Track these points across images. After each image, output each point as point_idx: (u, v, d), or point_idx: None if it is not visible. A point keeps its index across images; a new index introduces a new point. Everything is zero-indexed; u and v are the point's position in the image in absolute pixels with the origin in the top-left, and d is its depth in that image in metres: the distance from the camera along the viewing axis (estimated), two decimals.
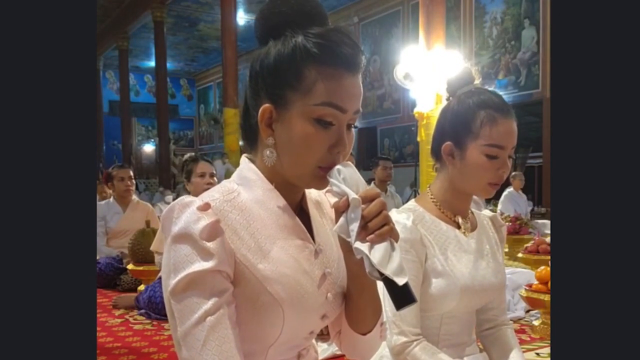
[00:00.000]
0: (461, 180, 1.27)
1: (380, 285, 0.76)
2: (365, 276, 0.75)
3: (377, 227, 0.74)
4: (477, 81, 1.31)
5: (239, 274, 0.78)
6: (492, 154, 1.22)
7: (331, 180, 0.79)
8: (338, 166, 0.79)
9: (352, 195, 0.76)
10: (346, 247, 0.80)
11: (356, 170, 0.80)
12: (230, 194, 0.83)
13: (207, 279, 0.75)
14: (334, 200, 0.80)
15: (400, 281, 0.72)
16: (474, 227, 1.34)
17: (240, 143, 0.94)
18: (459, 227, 1.31)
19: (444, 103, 1.36)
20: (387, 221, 0.75)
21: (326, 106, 0.78)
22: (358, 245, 0.74)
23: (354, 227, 0.75)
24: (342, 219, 0.76)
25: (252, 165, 0.86)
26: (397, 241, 0.76)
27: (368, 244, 0.74)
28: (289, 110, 0.79)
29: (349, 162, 0.81)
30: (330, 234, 0.91)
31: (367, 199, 0.76)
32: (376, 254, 0.73)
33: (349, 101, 0.79)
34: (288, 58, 0.79)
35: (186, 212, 0.76)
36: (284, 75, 0.79)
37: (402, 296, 0.73)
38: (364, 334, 0.90)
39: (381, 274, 0.73)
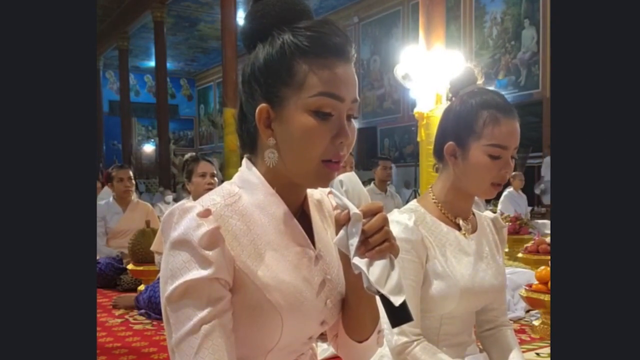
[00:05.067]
0: (463, 181, 1.27)
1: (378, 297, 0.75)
2: (363, 288, 0.74)
3: (377, 242, 0.73)
4: (480, 81, 1.31)
5: (238, 280, 0.77)
6: (494, 154, 1.22)
7: (333, 191, 0.78)
8: (340, 177, 0.79)
9: (354, 209, 0.74)
10: (345, 259, 0.79)
11: (359, 181, 0.80)
12: (231, 197, 0.82)
13: (204, 287, 0.74)
14: (335, 201, 0.79)
15: (397, 301, 0.71)
16: (474, 229, 1.34)
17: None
18: (459, 228, 1.31)
19: (444, 103, 1.36)
20: (388, 237, 0.74)
21: (322, 96, 0.77)
22: (356, 261, 0.73)
23: (354, 241, 0.73)
24: (342, 232, 0.75)
25: (254, 169, 0.85)
26: (396, 257, 0.75)
27: (367, 260, 0.73)
28: (285, 107, 0.79)
29: (352, 173, 0.81)
30: (331, 239, 0.90)
31: (369, 213, 0.75)
32: (375, 271, 0.72)
33: (344, 89, 0.79)
34: (277, 55, 0.78)
35: (186, 218, 0.75)
36: (275, 73, 0.79)
37: (398, 315, 0.72)
38: (361, 342, 0.90)
39: (378, 291, 0.71)
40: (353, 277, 0.80)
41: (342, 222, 0.75)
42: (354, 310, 0.87)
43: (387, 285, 0.71)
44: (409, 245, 1.22)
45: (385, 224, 0.75)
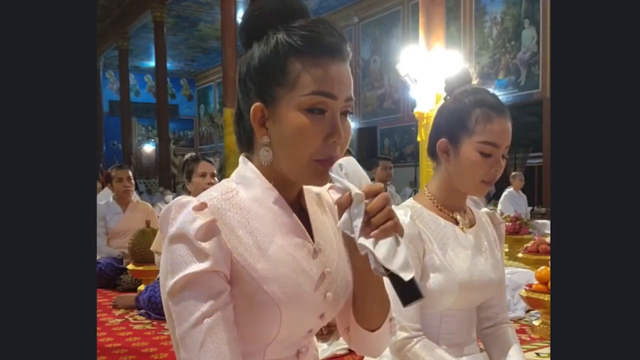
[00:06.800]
0: (455, 178, 1.29)
1: (387, 280, 0.75)
2: (372, 273, 0.74)
3: (381, 222, 0.73)
4: (475, 81, 1.33)
5: (235, 273, 0.78)
6: (486, 151, 1.23)
7: (333, 175, 0.78)
8: (340, 161, 0.78)
9: (355, 190, 0.75)
10: (351, 244, 0.79)
11: (358, 165, 0.79)
12: (228, 192, 0.83)
13: (204, 280, 0.75)
14: (337, 196, 0.79)
15: (407, 276, 0.70)
16: (472, 224, 1.35)
17: None
18: (457, 223, 1.32)
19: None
20: (392, 216, 0.74)
21: (315, 95, 0.78)
22: (362, 241, 0.73)
23: (358, 222, 0.73)
24: (345, 215, 0.75)
25: (251, 164, 0.86)
26: (402, 236, 0.75)
27: (372, 239, 0.73)
28: (279, 106, 0.79)
29: (351, 157, 0.80)
30: (331, 232, 0.90)
31: (371, 194, 0.75)
32: (381, 249, 0.72)
33: (337, 87, 0.79)
34: (271, 55, 0.79)
35: (182, 213, 0.76)
36: (269, 72, 0.79)
37: (408, 292, 0.72)
38: (373, 331, 0.90)
39: (387, 270, 0.71)
40: (360, 264, 0.81)
41: (344, 205, 0.75)
42: (364, 298, 0.88)
43: (394, 262, 0.71)
44: (407, 240, 1.22)
45: (388, 203, 0.75)
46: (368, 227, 0.73)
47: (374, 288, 0.86)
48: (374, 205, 0.74)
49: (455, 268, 1.25)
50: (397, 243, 0.73)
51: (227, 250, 0.77)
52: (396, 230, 0.74)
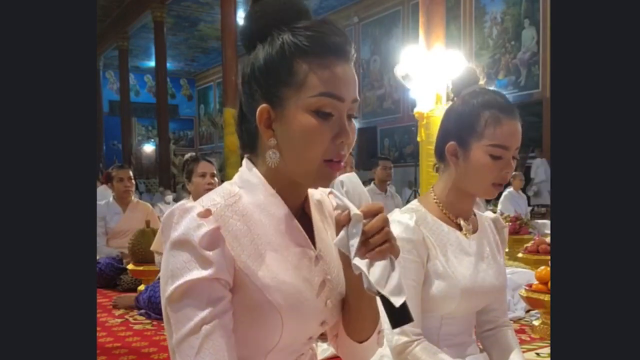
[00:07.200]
0: (465, 181, 1.27)
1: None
2: (364, 289, 0.73)
3: (378, 243, 0.73)
4: (482, 81, 1.31)
5: (238, 281, 0.77)
6: (496, 154, 1.22)
7: (333, 191, 0.78)
8: (341, 177, 0.79)
9: (354, 210, 0.74)
10: (345, 259, 0.79)
11: (359, 181, 0.80)
12: (231, 197, 0.82)
13: (205, 287, 0.74)
14: (337, 201, 0.79)
15: (397, 302, 0.70)
16: (475, 229, 1.34)
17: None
18: (460, 228, 1.31)
19: (444, 103, 1.37)
20: (389, 238, 0.74)
21: (323, 96, 0.77)
22: (357, 261, 0.73)
23: (354, 242, 0.73)
24: (342, 233, 0.75)
25: (255, 169, 0.85)
26: (397, 258, 0.75)
27: (367, 260, 0.72)
28: (286, 108, 0.79)
29: (354, 174, 0.80)
30: (332, 239, 0.90)
31: (369, 214, 0.75)
32: (375, 271, 0.72)
33: (344, 89, 0.79)
34: (277, 56, 0.78)
35: (186, 218, 0.75)
36: (275, 74, 0.79)
37: (398, 315, 0.72)
38: (361, 342, 0.90)
39: (379, 292, 0.71)
40: (353, 278, 0.80)
41: (342, 222, 0.75)
42: (355, 311, 0.87)
43: (387, 286, 0.71)
44: (410, 245, 1.22)
45: (386, 225, 0.75)
46: (364, 247, 0.73)
47: (365, 302, 0.86)
48: (372, 226, 0.74)
49: (458, 275, 1.24)
50: (392, 266, 0.73)
51: (230, 257, 0.77)
52: (392, 252, 0.74)
